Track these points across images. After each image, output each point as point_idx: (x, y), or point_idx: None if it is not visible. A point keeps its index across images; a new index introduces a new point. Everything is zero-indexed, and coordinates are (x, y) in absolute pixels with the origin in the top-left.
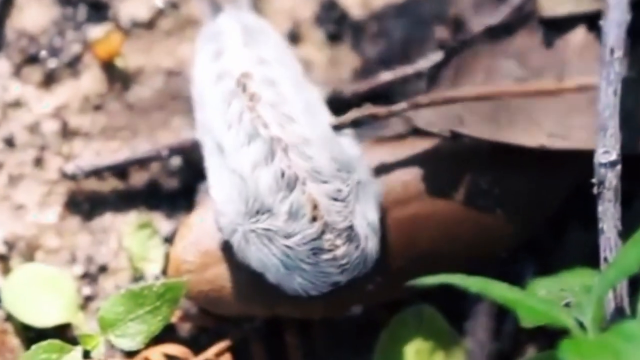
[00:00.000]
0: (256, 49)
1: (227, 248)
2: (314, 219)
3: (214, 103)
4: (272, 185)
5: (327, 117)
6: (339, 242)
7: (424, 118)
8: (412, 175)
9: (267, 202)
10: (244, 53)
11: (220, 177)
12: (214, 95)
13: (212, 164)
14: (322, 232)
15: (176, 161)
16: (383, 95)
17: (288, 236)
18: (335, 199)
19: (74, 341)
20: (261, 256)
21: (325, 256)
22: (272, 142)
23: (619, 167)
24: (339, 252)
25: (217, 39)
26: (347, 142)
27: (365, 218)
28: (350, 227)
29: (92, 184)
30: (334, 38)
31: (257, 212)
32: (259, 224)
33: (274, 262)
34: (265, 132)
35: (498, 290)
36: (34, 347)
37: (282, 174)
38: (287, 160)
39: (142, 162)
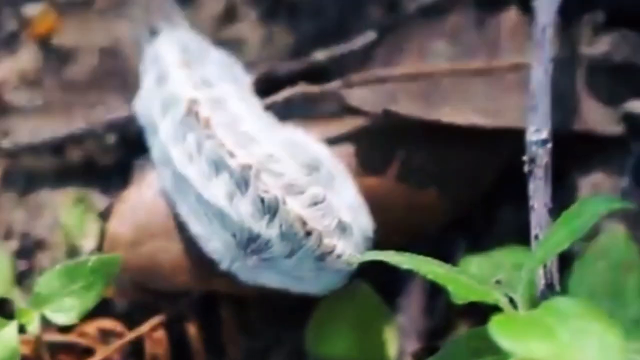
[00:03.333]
0: (197, 70)
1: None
2: (308, 233)
3: (167, 133)
4: (254, 212)
5: (276, 123)
6: (335, 240)
7: (357, 97)
8: (345, 153)
9: (255, 230)
10: (185, 76)
11: (194, 211)
12: (165, 125)
13: (178, 197)
14: (320, 241)
15: (111, 138)
16: (317, 74)
17: (289, 255)
18: (316, 203)
19: (9, 316)
20: (272, 279)
21: (329, 258)
22: (242, 170)
23: (549, 145)
24: (339, 249)
25: (157, 63)
26: (299, 134)
27: (347, 202)
28: (339, 221)
29: (28, 160)
30: (268, 16)
31: (248, 241)
32: (257, 256)
33: (285, 279)
34: (232, 161)
35: (429, 267)
36: None
37: (262, 200)
38: (262, 185)
39: (77, 139)
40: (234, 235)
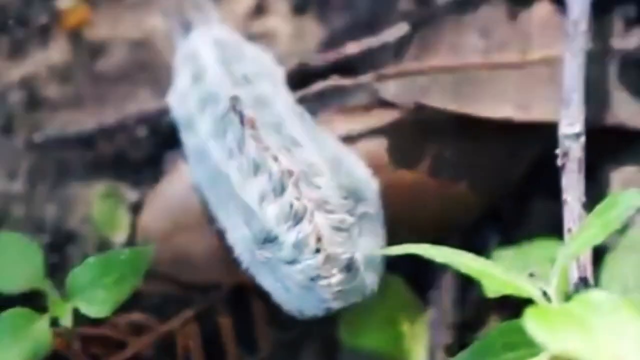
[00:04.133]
0: (235, 66)
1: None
2: (317, 250)
3: (207, 129)
4: (280, 216)
5: (327, 135)
6: (335, 270)
7: (389, 90)
8: (377, 146)
9: (274, 232)
10: (223, 73)
11: (223, 203)
12: (204, 121)
13: (211, 191)
14: (324, 263)
15: (142, 131)
16: (349, 67)
17: (290, 263)
18: (339, 229)
19: (41, 309)
20: (268, 281)
21: (321, 282)
22: (283, 176)
23: (583, 138)
24: (334, 279)
25: (193, 60)
26: (353, 161)
27: (368, 247)
28: (351, 259)
29: (59, 154)
30: (299, 9)
31: (264, 241)
32: (265, 252)
33: (277, 287)
34: (275, 165)
35: (462, 260)
36: (2, 314)
37: (291, 206)
38: (297, 193)
39: (108, 132)
40: (253, 232)
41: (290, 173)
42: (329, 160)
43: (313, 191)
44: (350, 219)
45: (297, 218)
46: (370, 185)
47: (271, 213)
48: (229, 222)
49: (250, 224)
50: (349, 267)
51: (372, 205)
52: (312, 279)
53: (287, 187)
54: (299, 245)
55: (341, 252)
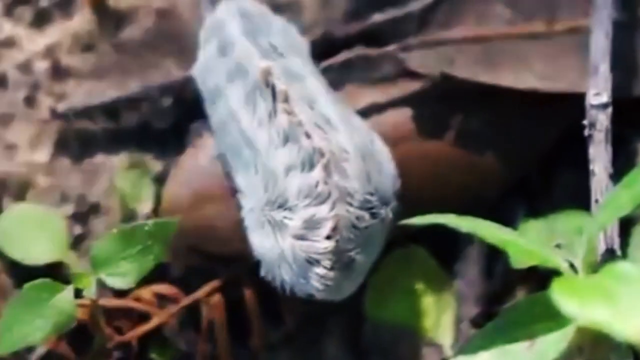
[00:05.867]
0: (263, 39)
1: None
2: (329, 237)
3: (237, 99)
4: (303, 191)
5: (358, 118)
6: (336, 265)
7: (415, 60)
8: (402, 117)
9: (291, 203)
10: (252, 45)
11: (246, 168)
12: (234, 92)
13: (236, 154)
14: (330, 253)
15: (167, 101)
16: (374, 37)
17: (297, 237)
18: (355, 227)
19: (65, 280)
20: (263, 242)
21: (316, 270)
22: (314, 153)
23: (610, 109)
24: (331, 273)
25: (219, 32)
26: (383, 153)
27: (368, 257)
28: (353, 260)
29: (83, 124)
30: None
31: (279, 207)
32: (276, 214)
33: (271, 252)
34: (307, 142)
35: (489, 230)
36: (26, 285)
37: (316, 186)
38: (325, 175)
39: (132, 102)
40: (269, 196)
41: (322, 153)
42: (360, 149)
43: (341, 180)
44: (368, 219)
45: (319, 200)
46: (395, 185)
47: (295, 185)
48: (247, 188)
49: (269, 189)
50: (348, 267)
51: (392, 210)
52: (310, 262)
53: (316, 166)
54: (311, 224)
55: (349, 249)
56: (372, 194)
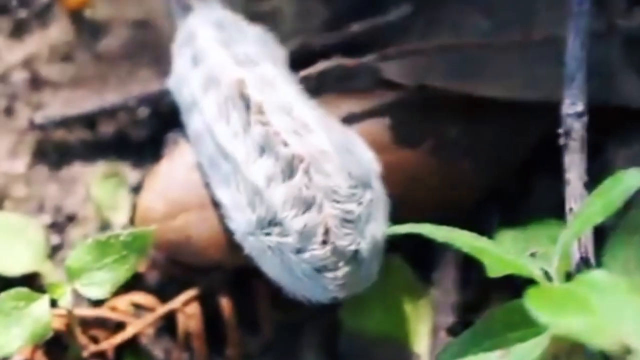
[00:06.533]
0: (237, 48)
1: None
2: (324, 242)
3: (210, 111)
4: (288, 201)
5: (332, 119)
6: (341, 263)
7: (392, 69)
8: (380, 126)
9: (280, 216)
10: (225, 54)
11: (227, 182)
12: (208, 103)
13: (214, 171)
14: (330, 256)
15: (144, 111)
16: (352, 47)
17: (297, 251)
18: (347, 220)
19: (41, 290)
20: (272, 265)
21: (327, 274)
22: (293, 160)
23: (585, 117)
24: (340, 272)
25: (193, 41)
26: (360, 145)
27: (373, 238)
28: (357, 251)
29: (61, 134)
30: None
31: (269, 224)
32: (271, 237)
33: (281, 270)
34: (285, 150)
35: (465, 239)
36: (1, 295)
37: (300, 192)
38: (306, 180)
39: (110, 112)
40: (258, 214)
41: (301, 158)
42: (338, 147)
43: (324, 179)
44: (357, 209)
45: (305, 205)
46: (375, 170)
47: (279, 196)
48: (231, 202)
49: (254, 205)
50: (355, 259)
51: (378, 190)
52: (318, 270)
53: (297, 172)
54: (306, 234)
55: (348, 244)
56: (355, 187)
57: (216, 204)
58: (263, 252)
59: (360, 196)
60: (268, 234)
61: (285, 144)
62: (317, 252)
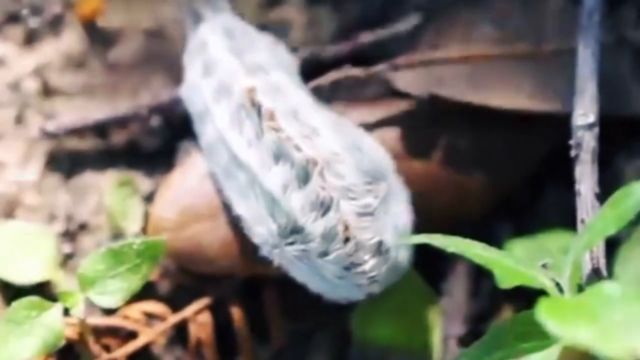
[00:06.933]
0: (247, 56)
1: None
2: (347, 239)
3: (223, 120)
4: (305, 206)
5: (342, 119)
6: (367, 256)
7: (402, 80)
8: (390, 136)
9: (300, 223)
10: (237, 63)
11: (244, 193)
12: (220, 112)
13: (229, 182)
14: (355, 251)
15: (156, 120)
16: (362, 57)
17: (322, 255)
18: (365, 214)
19: (53, 299)
20: (302, 273)
21: (356, 270)
22: (308, 164)
23: (596, 129)
24: (367, 266)
25: (204, 50)
26: (370, 142)
27: (395, 227)
28: (380, 242)
29: (73, 143)
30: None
31: (291, 232)
32: (295, 246)
33: (313, 277)
34: (298, 155)
35: (475, 250)
36: (13, 304)
37: (317, 196)
38: (322, 182)
39: (122, 121)
40: (278, 224)
41: (315, 162)
42: (349, 147)
43: (338, 180)
44: (375, 202)
45: (323, 208)
46: (388, 162)
47: (296, 202)
48: (251, 215)
49: (274, 215)
50: (380, 251)
51: (393, 182)
52: (346, 268)
53: (312, 177)
54: (328, 236)
55: (370, 237)
56: (369, 183)
57: (229, 213)
58: (292, 263)
59: (375, 190)
60: (292, 244)
61: (298, 149)
62: (342, 250)
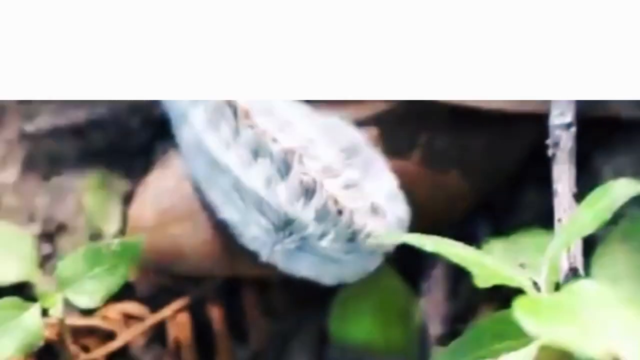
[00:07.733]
0: None
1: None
2: (340, 212)
3: (201, 122)
4: (291, 195)
5: (308, 109)
6: (365, 219)
7: None
8: (369, 135)
9: (291, 213)
10: None
11: (229, 198)
12: (198, 114)
13: (211, 185)
14: (352, 219)
15: (135, 121)
16: None
17: (322, 236)
18: (350, 186)
19: (32, 299)
20: (310, 265)
21: (359, 237)
22: (285, 154)
23: (573, 129)
24: (369, 227)
25: None
26: (334, 119)
27: (382, 190)
28: (372, 203)
29: (51, 144)
30: None
31: (285, 224)
32: (293, 237)
33: (323, 264)
34: (275, 146)
35: (454, 250)
36: None
37: (301, 182)
38: (303, 168)
39: (100, 122)
40: (270, 220)
41: (292, 151)
42: (322, 128)
43: (317, 163)
44: (356, 174)
45: (309, 193)
46: (359, 135)
47: (282, 195)
48: (240, 217)
49: (264, 211)
50: (376, 211)
51: (368, 151)
52: (350, 240)
53: (293, 165)
54: (321, 217)
55: (362, 204)
56: (348, 158)
57: (208, 215)
58: (296, 258)
59: (354, 163)
60: (290, 235)
61: (275, 140)
62: (339, 224)
